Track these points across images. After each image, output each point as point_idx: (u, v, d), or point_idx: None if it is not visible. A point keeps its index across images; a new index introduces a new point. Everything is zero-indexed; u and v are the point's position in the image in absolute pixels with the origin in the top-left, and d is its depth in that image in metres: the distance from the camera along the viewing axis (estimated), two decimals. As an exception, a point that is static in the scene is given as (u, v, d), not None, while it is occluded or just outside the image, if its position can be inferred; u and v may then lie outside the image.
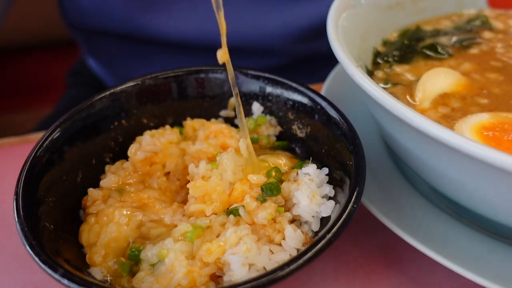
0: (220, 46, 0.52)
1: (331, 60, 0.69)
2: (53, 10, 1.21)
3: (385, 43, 0.75)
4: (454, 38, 0.75)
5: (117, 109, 0.64)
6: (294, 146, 0.65)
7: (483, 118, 0.57)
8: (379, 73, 0.69)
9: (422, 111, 0.60)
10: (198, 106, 0.68)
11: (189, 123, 0.65)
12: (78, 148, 0.60)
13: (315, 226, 0.53)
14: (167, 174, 0.61)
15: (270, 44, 1.05)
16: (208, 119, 0.67)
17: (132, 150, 0.60)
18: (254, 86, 0.66)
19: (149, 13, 1.01)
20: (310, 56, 1.11)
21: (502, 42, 0.74)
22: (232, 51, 0.54)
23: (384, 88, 0.58)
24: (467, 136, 0.49)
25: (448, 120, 0.59)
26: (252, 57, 1.06)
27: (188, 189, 0.57)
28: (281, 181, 0.56)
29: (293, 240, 0.51)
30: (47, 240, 0.50)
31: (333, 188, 0.55)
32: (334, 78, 0.79)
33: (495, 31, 0.77)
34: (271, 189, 0.54)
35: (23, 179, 0.53)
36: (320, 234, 0.49)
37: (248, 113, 0.67)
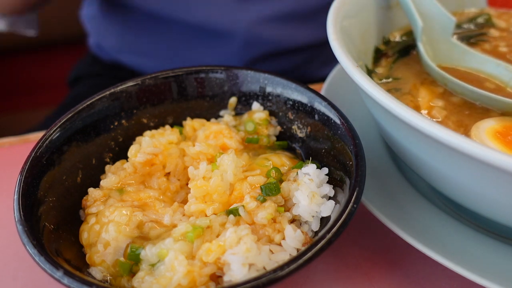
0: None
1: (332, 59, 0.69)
2: (54, 10, 1.21)
3: (386, 42, 0.74)
4: (456, 37, 0.75)
5: (117, 109, 0.64)
6: (294, 146, 0.65)
7: (492, 124, 0.56)
8: (380, 70, 0.69)
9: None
10: (198, 106, 0.68)
11: (189, 123, 0.65)
12: (78, 148, 0.60)
13: (315, 226, 0.53)
14: (167, 174, 0.60)
15: None
16: (208, 119, 0.67)
17: (132, 151, 0.60)
18: (254, 86, 0.66)
19: None
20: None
21: (505, 40, 0.73)
22: None
23: (386, 83, 0.58)
24: (487, 143, 0.48)
25: (448, 120, 0.59)
26: None
27: (188, 189, 0.57)
28: (281, 181, 0.56)
29: (293, 240, 0.51)
30: (47, 240, 0.50)
31: (333, 188, 0.55)
32: (334, 78, 0.79)
33: (498, 29, 0.77)
34: (271, 189, 0.54)
35: (23, 179, 0.53)
36: (320, 234, 0.49)
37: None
